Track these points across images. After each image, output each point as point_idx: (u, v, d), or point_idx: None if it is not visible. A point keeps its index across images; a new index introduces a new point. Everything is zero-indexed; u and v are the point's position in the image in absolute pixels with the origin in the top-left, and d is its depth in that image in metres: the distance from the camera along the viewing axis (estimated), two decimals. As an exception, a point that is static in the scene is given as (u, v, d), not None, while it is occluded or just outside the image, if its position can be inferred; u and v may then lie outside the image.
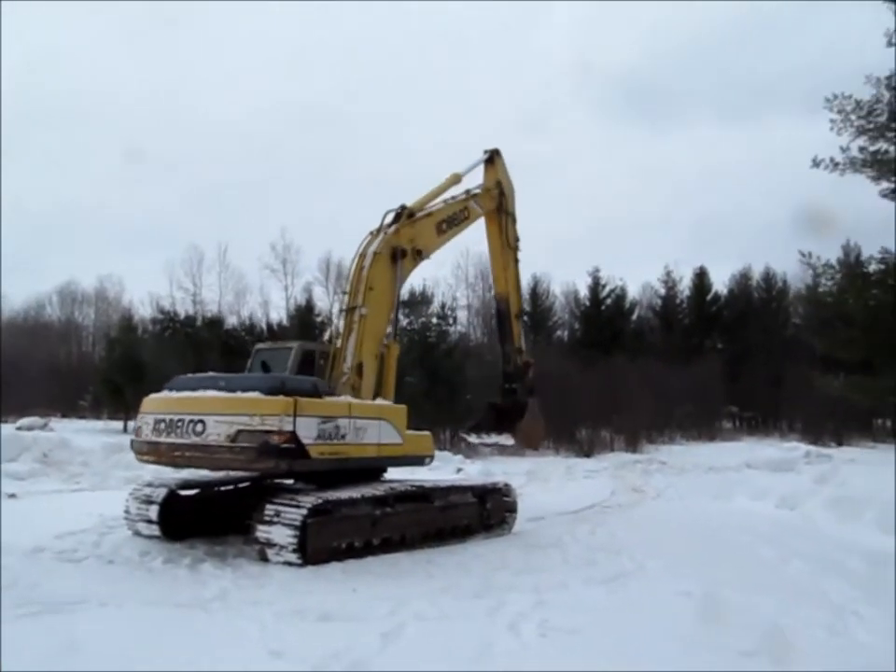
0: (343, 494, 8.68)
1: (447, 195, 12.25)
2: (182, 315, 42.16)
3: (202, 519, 9.74)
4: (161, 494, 9.37)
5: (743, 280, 59.62)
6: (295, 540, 7.91)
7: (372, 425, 9.29)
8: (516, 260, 13.51)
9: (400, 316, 13.64)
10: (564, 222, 79.58)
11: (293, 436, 8.11)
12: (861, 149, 16.71)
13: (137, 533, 9.46)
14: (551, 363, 40.16)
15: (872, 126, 15.90)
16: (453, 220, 11.98)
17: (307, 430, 8.30)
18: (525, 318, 14.46)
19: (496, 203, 13.04)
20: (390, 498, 9.23)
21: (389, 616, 6.15)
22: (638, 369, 40.31)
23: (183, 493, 9.72)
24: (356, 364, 10.13)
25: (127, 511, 9.62)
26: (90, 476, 15.63)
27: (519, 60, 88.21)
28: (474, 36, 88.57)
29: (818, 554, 9.82)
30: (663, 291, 60.39)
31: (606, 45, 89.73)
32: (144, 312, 50.31)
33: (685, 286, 59.74)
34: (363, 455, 9.22)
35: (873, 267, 20.61)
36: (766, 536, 11.63)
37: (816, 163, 17.04)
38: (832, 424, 47.11)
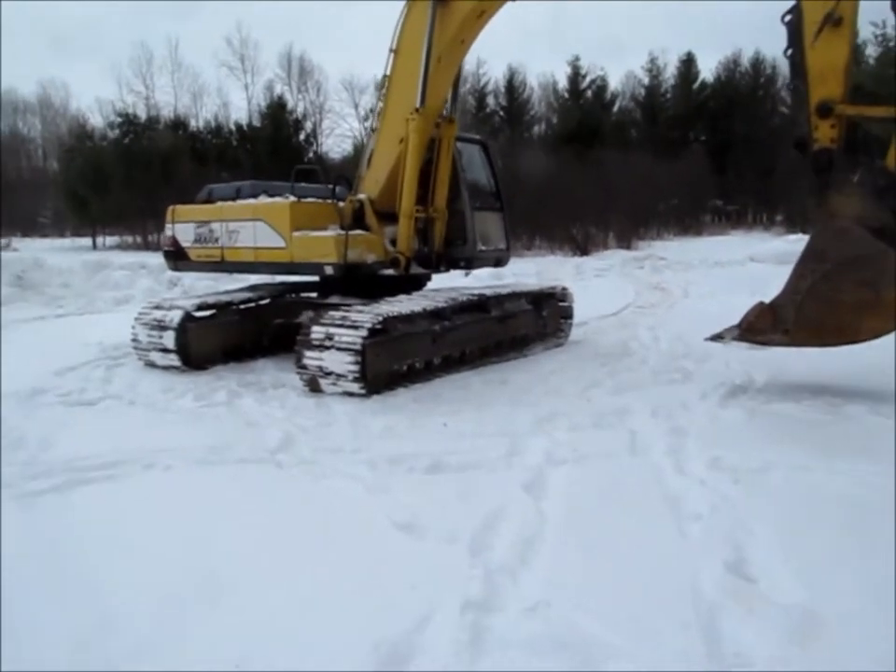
0: (402, 307, 7.21)
1: None
2: (142, 119, 38.05)
3: (223, 344, 8.32)
4: (175, 317, 7.81)
5: (732, 67, 56.07)
6: (357, 367, 6.51)
7: (246, 227, 8.39)
8: None
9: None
10: (537, 9, 73.30)
11: (174, 240, 9.20)
12: None
13: (151, 364, 8.02)
14: (534, 160, 38.00)
15: None
16: None
17: (185, 235, 9.09)
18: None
19: None
20: (448, 311, 7.78)
21: (511, 459, 4.87)
22: (625, 163, 38.27)
23: (199, 314, 8.19)
24: (369, 154, 8.48)
25: (135, 339, 8.12)
26: (73, 299, 13.87)
27: None
28: None
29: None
30: (646, 81, 57.05)
31: None
32: (94, 120, 46.01)
33: (670, 74, 56.40)
34: (239, 260, 8.61)
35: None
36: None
37: None
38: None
